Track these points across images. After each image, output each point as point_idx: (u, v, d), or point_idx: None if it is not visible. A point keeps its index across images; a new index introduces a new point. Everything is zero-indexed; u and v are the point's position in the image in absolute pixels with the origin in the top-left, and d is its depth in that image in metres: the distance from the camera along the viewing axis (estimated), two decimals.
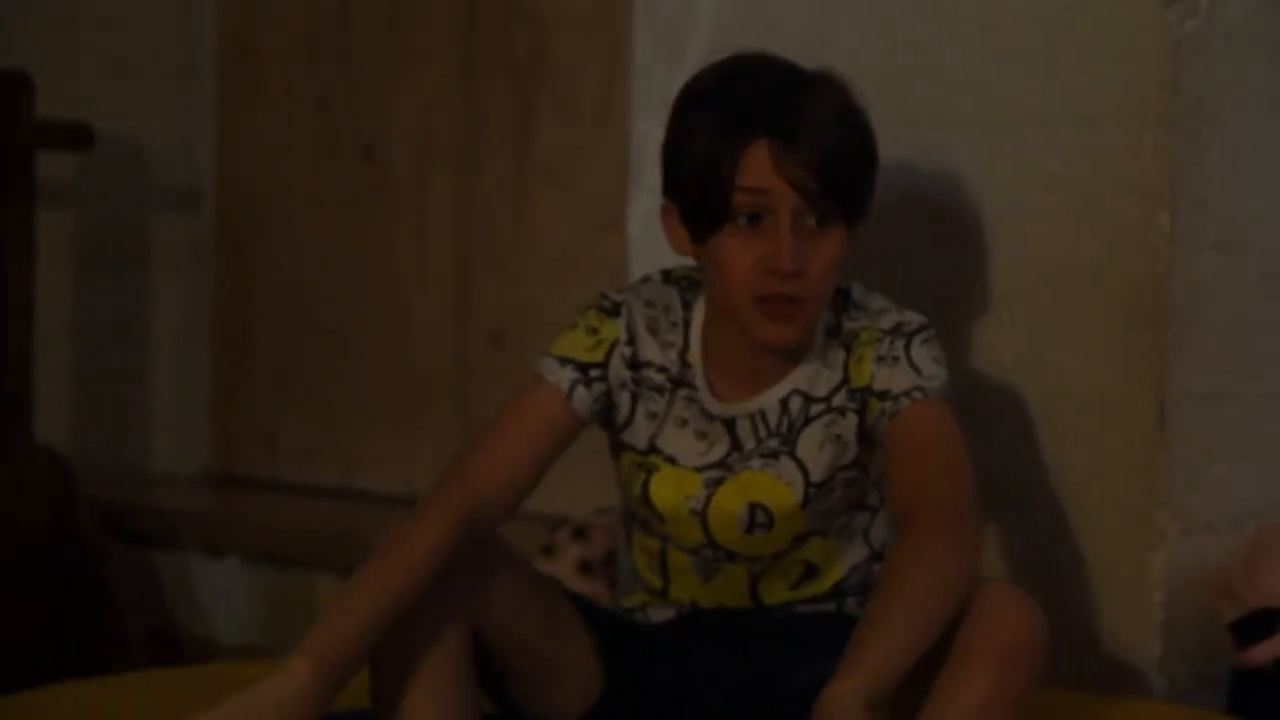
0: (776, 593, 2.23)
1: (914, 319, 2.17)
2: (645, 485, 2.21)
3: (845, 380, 2.18)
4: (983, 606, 1.99)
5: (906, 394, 2.13)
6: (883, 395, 2.14)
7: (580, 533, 2.79)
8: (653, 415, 2.20)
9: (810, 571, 2.23)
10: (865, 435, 2.18)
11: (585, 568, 2.74)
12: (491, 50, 3.72)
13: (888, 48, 2.60)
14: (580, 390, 2.17)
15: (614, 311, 2.20)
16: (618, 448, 2.24)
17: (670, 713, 2.20)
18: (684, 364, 2.20)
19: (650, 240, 2.86)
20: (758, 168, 2.07)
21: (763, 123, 2.07)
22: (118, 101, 3.96)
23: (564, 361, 2.18)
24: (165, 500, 3.91)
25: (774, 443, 2.18)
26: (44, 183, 3.61)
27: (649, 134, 2.87)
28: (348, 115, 3.92)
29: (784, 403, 2.18)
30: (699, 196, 2.10)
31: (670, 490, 2.20)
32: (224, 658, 3.48)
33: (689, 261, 2.21)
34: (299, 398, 3.99)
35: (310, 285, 3.98)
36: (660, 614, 2.27)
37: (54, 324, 3.84)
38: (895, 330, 2.16)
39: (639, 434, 2.21)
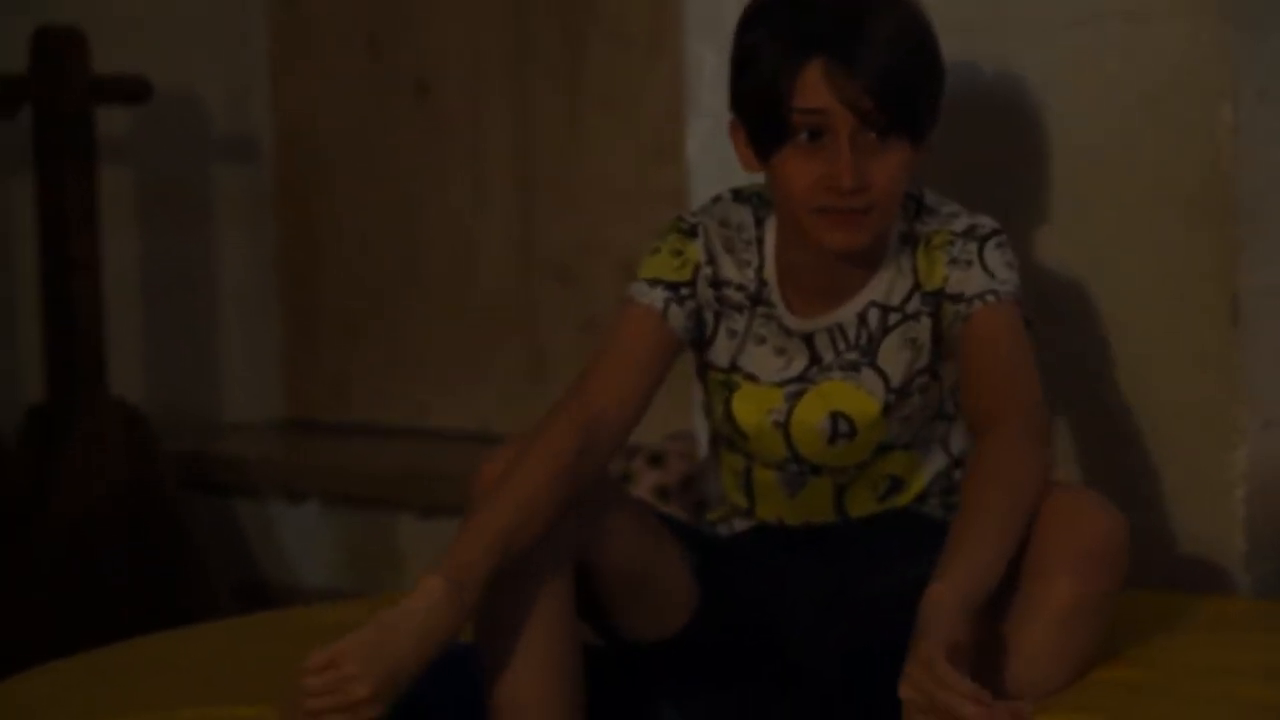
0: (862, 505, 2.24)
1: (987, 222, 2.18)
2: (728, 403, 2.22)
3: (917, 284, 2.18)
4: (1062, 512, 2.00)
5: (979, 296, 2.14)
6: (956, 298, 2.15)
7: (656, 459, 2.80)
8: (733, 333, 2.22)
9: (895, 484, 2.24)
10: (939, 339, 2.18)
11: (662, 494, 2.74)
12: None
13: None
14: (674, 308, 2.18)
15: (692, 233, 2.21)
16: (703, 368, 2.25)
17: (761, 624, 2.21)
18: (760, 281, 2.21)
19: (709, 165, 2.85)
20: (813, 88, 2.08)
21: (819, 42, 2.08)
22: (171, 54, 3.97)
23: (653, 283, 2.19)
24: (241, 449, 3.93)
25: (854, 355, 2.19)
26: (102, 139, 3.62)
27: (703, 57, 2.85)
28: (399, 54, 3.92)
29: (861, 315, 2.19)
30: (759, 115, 2.12)
31: (752, 406, 2.21)
32: (308, 602, 3.51)
33: (758, 179, 2.22)
34: (367, 341, 4.00)
35: (371, 227, 3.99)
36: (743, 524, 2.28)
37: (121, 280, 3.87)
38: (968, 233, 2.17)
39: (720, 352, 2.22)
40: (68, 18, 3.59)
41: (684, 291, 2.19)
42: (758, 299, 2.21)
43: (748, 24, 2.15)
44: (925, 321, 2.18)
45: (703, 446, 2.58)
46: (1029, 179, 2.56)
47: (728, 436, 2.26)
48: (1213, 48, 2.41)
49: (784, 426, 2.20)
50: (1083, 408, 2.53)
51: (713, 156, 2.84)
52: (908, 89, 2.09)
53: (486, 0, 3.79)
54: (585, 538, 2.09)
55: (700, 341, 2.23)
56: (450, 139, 3.86)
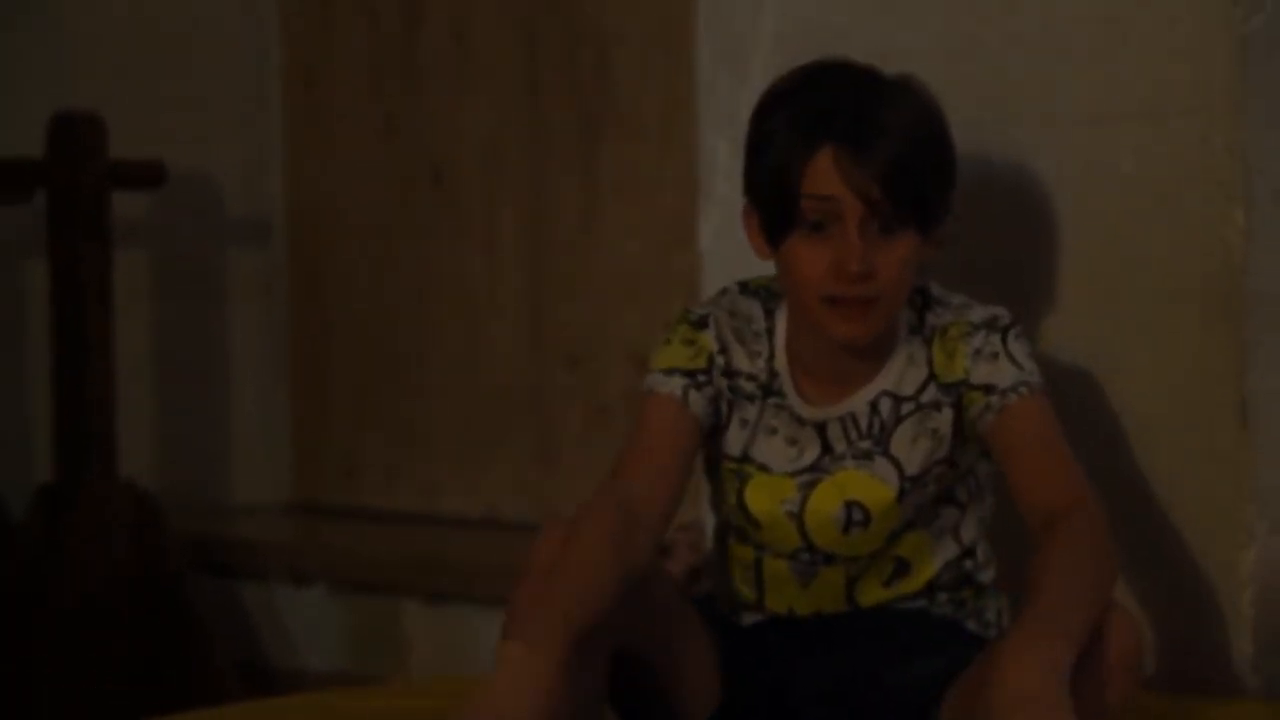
0: (871, 593, 2.23)
1: (1004, 313, 2.20)
2: (740, 493, 2.22)
3: (932, 375, 2.19)
4: None
5: (1013, 389, 2.15)
6: (988, 390, 2.16)
7: (664, 550, 2.79)
8: (745, 423, 2.22)
9: (902, 567, 2.23)
10: (959, 429, 2.18)
11: None
12: (556, 69, 3.73)
13: (952, 51, 2.59)
14: (694, 394, 2.19)
15: (702, 323, 2.22)
16: (713, 459, 2.25)
17: (775, 716, 2.20)
18: (771, 371, 2.22)
19: (722, 254, 2.86)
20: (823, 175, 2.10)
21: (830, 130, 2.10)
22: (187, 135, 3.99)
23: (670, 372, 2.20)
24: (249, 531, 3.93)
25: (866, 444, 2.20)
26: (118, 219, 3.64)
27: (716, 148, 2.87)
28: (415, 139, 3.93)
29: (873, 404, 2.20)
30: (770, 201, 2.14)
31: (765, 496, 2.21)
32: (313, 687, 3.50)
33: (765, 271, 2.23)
34: (377, 424, 4.00)
35: (384, 311, 4.00)
36: (751, 618, 2.28)
37: (133, 360, 3.87)
38: (990, 325, 2.18)
39: (733, 442, 2.22)
40: (85, 101, 3.61)
41: (701, 378, 2.20)
42: (769, 389, 2.21)
43: (765, 110, 2.18)
44: (947, 413, 2.18)
45: (709, 538, 2.58)
46: (1040, 276, 2.56)
47: (739, 527, 2.25)
48: (1226, 148, 2.42)
49: (798, 516, 2.20)
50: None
51: (726, 246, 2.85)
52: (917, 180, 2.11)
53: (503, 87, 3.81)
54: (627, 620, 2.08)
55: (715, 429, 2.23)
56: (464, 224, 3.87)
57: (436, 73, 3.90)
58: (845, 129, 2.09)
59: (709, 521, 2.56)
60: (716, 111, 2.87)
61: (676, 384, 2.19)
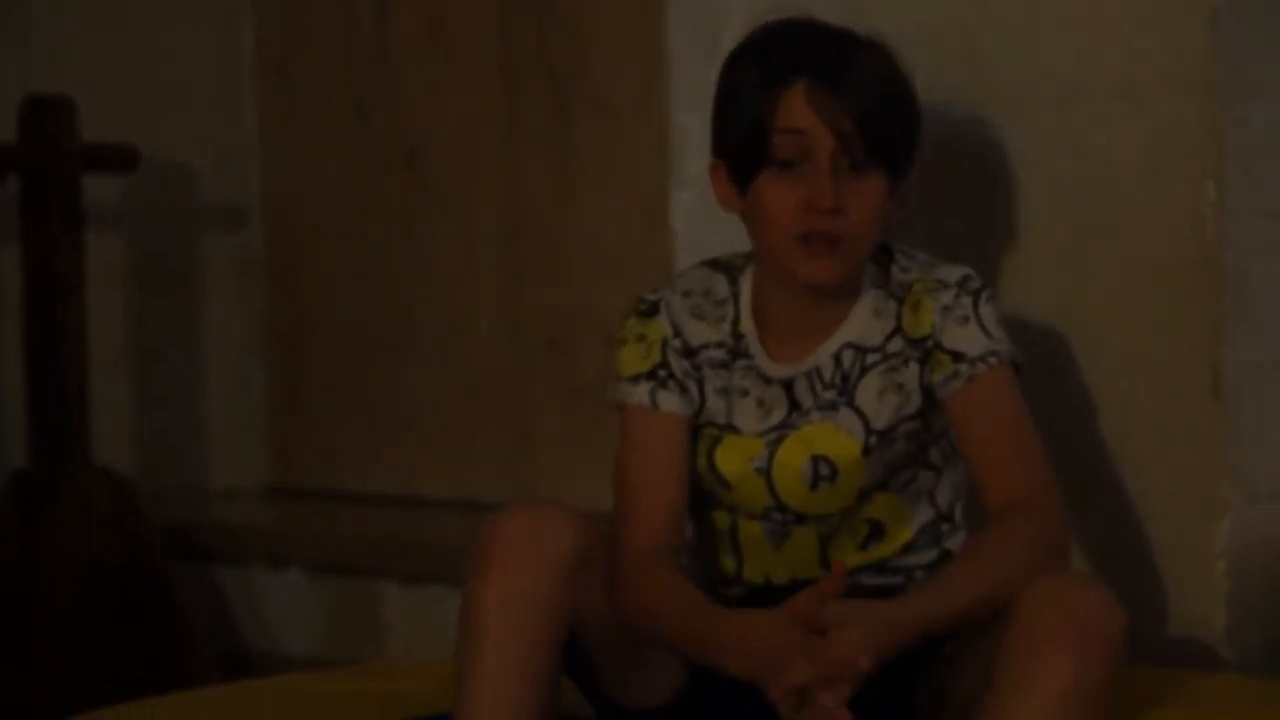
0: (846, 556, 2.24)
1: (974, 274, 2.21)
2: (710, 454, 2.23)
3: (899, 329, 2.20)
4: (1059, 596, 1.99)
5: (981, 358, 2.16)
6: (956, 357, 2.16)
7: None
8: (722, 391, 2.24)
9: (877, 530, 2.23)
10: (928, 385, 2.19)
11: None
12: (529, 52, 3.73)
13: (926, 29, 2.60)
14: (661, 394, 2.22)
15: (652, 311, 2.25)
16: (696, 431, 2.26)
17: (751, 694, 2.20)
18: (736, 335, 2.24)
19: (695, 233, 2.87)
20: (796, 109, 2.13)
21: (802, 66, 2.14)
22: (160, 121, 3.98)
23: (634, 379, 2.23)
24: (227, 516, 3.93)
25: (830, 394, 2.21)
26: (91, 206, 3.63)
27: (688, 128, 2.87)
28: (389, 124, 3.93)
29: (836, 357, 2.21)
30: (741, 143, 2.16)
31: (735, 455, 2.23)
32: (292, 670, 3.49)
33: (735, 248, 2.24)
34: (355, 409, 4.00)
35: (360, 295, 3.99)
36: (730, 593, 2.28)
37: (108, 347, 3.87)
38: (962, 285, 2.19)
39: (715, 410, 2.24)
40: (57, 86, 3.60)
41: (662, 373, 2.23)
42: (737, 352, 2.23)
43: (732, 62, 2.21)
44: (914, 368, 2.19)
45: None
46: (1014, 253, 2.57)
47: (710, 489, 2.26)
48: (1199, 125, 2.43)
49: (766, 473, 2.22)
50: (1064, 479, 2.53)
51: (698, 224, 2.86)
52: (887, 117, 2.14)
53: (476, 71, 3.80)
54: (583, 596, 2.10)
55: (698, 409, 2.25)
56: (438, 208, 3.87)
57: (410, 57, 3.90)
58: (818, 65, 2.13)
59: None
60: (688, 91, 2.87)
61: (642, 391, 2.22)
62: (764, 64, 2.16)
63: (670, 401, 2.22)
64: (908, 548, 2.24)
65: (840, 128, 2.12)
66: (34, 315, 3.55)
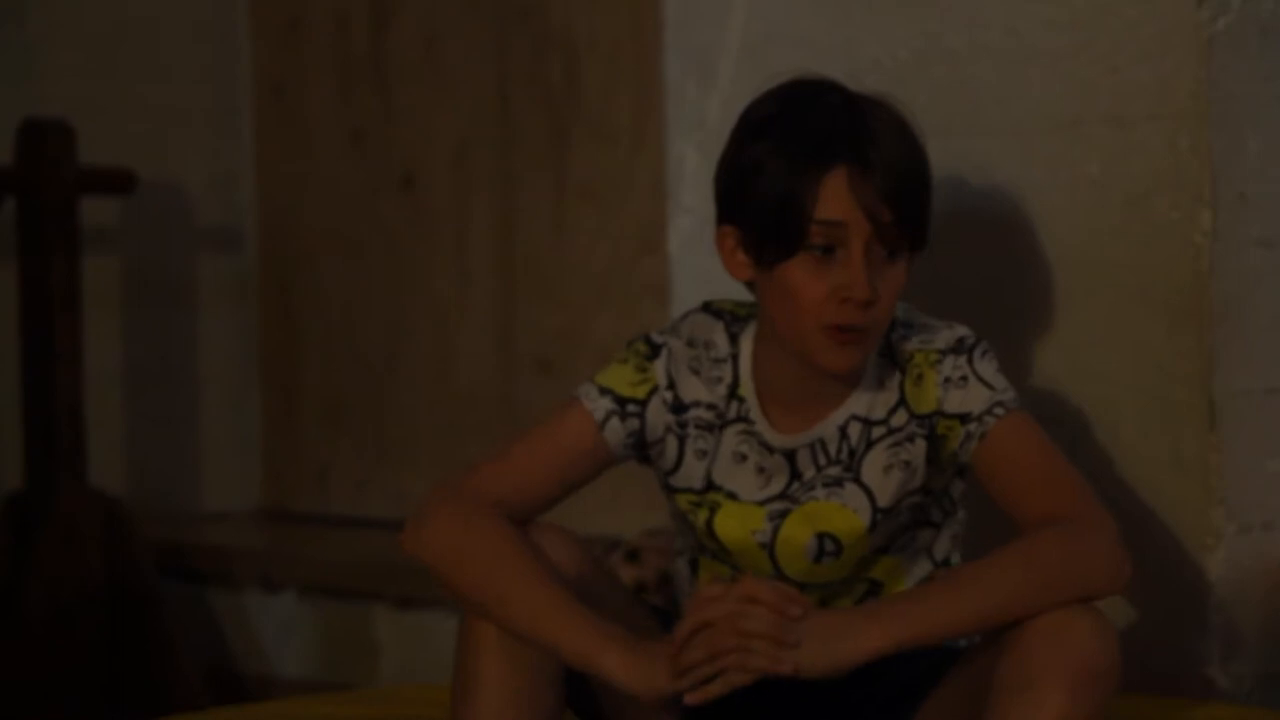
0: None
1: (967, 332, 2.16)
2: (709, 522, 2.20)
3: (902, 401, 2.16)
4: (1056, 627, 1.98)
5: (988, 412, 2.13)
6: (964, 418, 2.13)
7: (633, 556, 2.79)
8: (702, 454, 2.19)
9: (874, 588, 2.21)
10: (933, 459, 2.16)
11: (640, 590, 2.74)
12: (525, 77, 3.73)
13: (918, 60, 2.60)
14: (614, 422, 2.16)
15: (654, 355, 2.18)
16: (670, 490, 2.23)
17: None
18: (734, 398, 2.19)
19: (691, 260, 2.87)
20: (835, 199, 2.06)
21: (837, 151, 2.06)
22: (157, 144, 3.98)
23: (604, 391, 2.17)
24: (219, 538, 3.92)
25: (836, 470, 2.17)
26: (88, 229, 3.63)
27: (684, 155, 2.87)
28: (385, 146, 3.93)
29: (842, 430, 2.17)
30: (771, 226, 2.08)
31: (735, 524, 2.19)
32: (283, 693, 3.49)
33: (734, 292, 2.20)
34: (348, 431, 4.00)
35: (354, 318, 3.99)
36: None
37: (103, 368, 3.87)
38: (955, 348, 2.15)
39: (692, 474, 2.19)
40: (55, 110, 3.61)
41: (630, 408, 2.17)
42: (730, 417, 2.19)
43: (748, 134, 2.12)
44: (920, 444, 2.15)
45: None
46: (1007, 281, 2.57)
47: (713, 550, 2.24)
48: (1192, 152, 2.43)
49: (769, 548, 2.18)
50: None
51: (694, 251, 2.86)
52: (919, 201, 2.10)
53: (472, 94, 3.81)
54: None
55: (654, 463, 2.20)
56: (434, 230, 3.87)
57: (406, 80, 3.90)
58: (855, 150, 2.06)
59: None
60: (684, 118, 2.87)
61: (602, 406, 2.16)
62: (793, 145, 2.07)
63: (616, 435, 2.16)
64: None
65: (878, 216, 2.06)
66: (29, 336, 3.55)
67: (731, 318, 2.21)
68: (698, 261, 2.84)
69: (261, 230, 4.13)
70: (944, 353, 2.15)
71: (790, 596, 1.99)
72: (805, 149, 2.07)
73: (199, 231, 4.11)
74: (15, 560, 3.49)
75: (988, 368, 2.14)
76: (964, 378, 2.14)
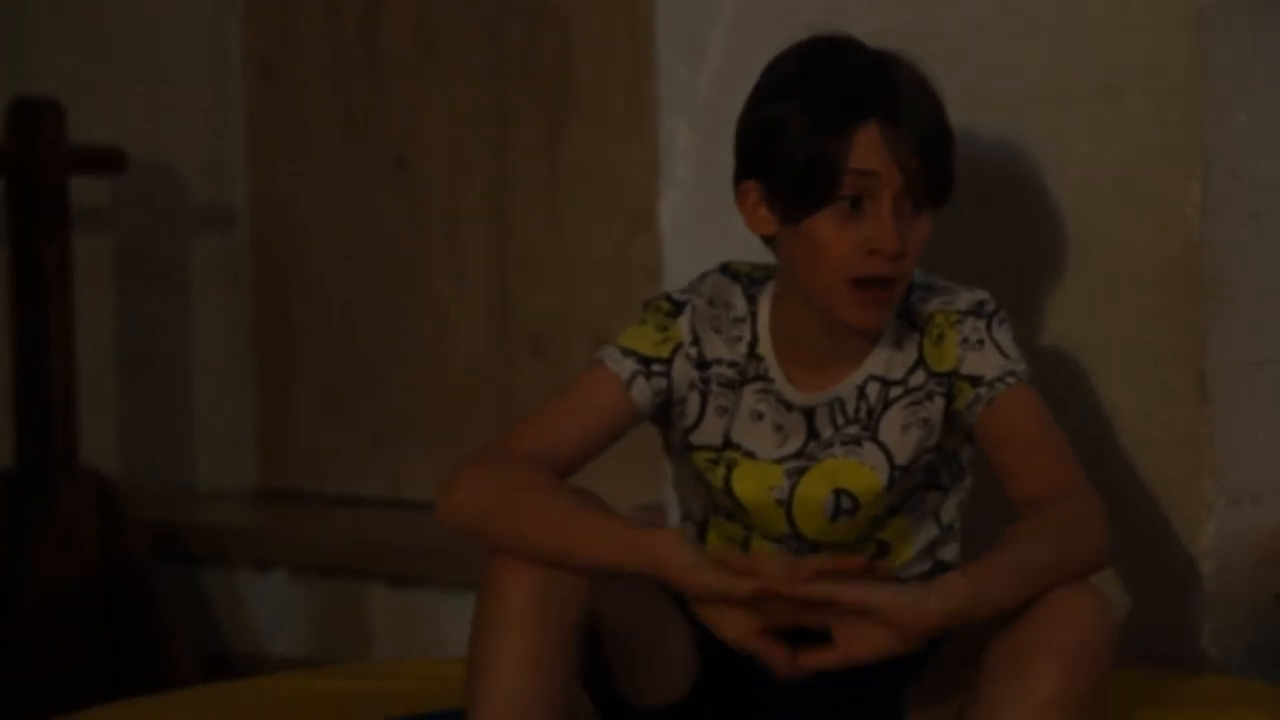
0: None
1: (988, 297, 2.19)
2: (728, 479, 2.21)
3: (920, 361, 2.18)
4: (1054, 603, 1.98)
5: (1000, 379, 2.14)
6: (975, 381, 2.15)
7: None
8: (723, 410, 2.20)
9: (882, 549, 2.22)
10: (949, 418, 2.18)
11: None
12: (518, 56, 3.73)
13: (910, 34, 2.59)
14: (640, 381, 2.17)
15: (677, 312, 2.20)
16: (686, 448, 2.23)
17: (758, 701, 2.20)
18: (754, 357, 2.20)
19: (683, 238, 2.87)
20: (869, 150, 2.08)
21: (869, 104, 2.09)
22: (149, 124, 3.98)
23: (627, 353, 2.18)
24: (213, 517, 3.93)
25: (854, 429, 2.18)
26: (79, 208, 3.63)
27: (677, 132, 2.87)
28: (377, 127, 3.93)
29: (861, 389, 2.18)
30: (801, 179, 2.09)
31: (752, 482, 2.19)
32: (276, 671, 3.49)
33: (763, 250, 2.21)
34: (342, 411, 4.00)
35: (348, 298, 3.99)
36: None
37: (95, 348, 3.86)
38: (976, 311, 2.17)
39: (712, 431, 2.20)
40: (45, 88, 3.60)
41: (656, 368, 2.18)
42: (750, 375, 2.20)
43: (776, 93, 2.14)
44: (939, 402, 2.17)
45: (672, 519, 2.58)
46: (996, 255, 2.57)
47: (727, 509, 2.24)
48: (1182, 126, 2.43)
49: (786, 504, 2.19)
50: None
51: (686, 229, 2.86)
52: (945, 153, 2.12)
53: (464, 74, 3.81)
54: (599, 589, 2.07)
55: (675, 422, 2.21)
56: (427, 211, 3.87)
57: (398, 60, 3.90)
58: (886, 102, 2.08)
59: (671, 503, 2.56)
60: (676, 95, 2.87)
61: (627, 367, 2.17)
62: (824, 98, 2.09)
63: (643, 395, 2.17)
64: (907, 563, 2.23)
65: (908, 167, 2.08)
66: (21, 317, 3.55)
67: (749, 280, 2.22)
68: (690, 238, 2.84)
69: (254, 210, 4.13)
70: (964, 314, 2.17)
71: (850, 559, 2.00)
72: (837, 103, 2.09)
73: (191, 211, 4.11)
74: (8, 541, 3.49)
75: (1004, 335, 2.17)
76: (980, 341, 2.16)
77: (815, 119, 2.09)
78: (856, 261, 2.09)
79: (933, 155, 2.10)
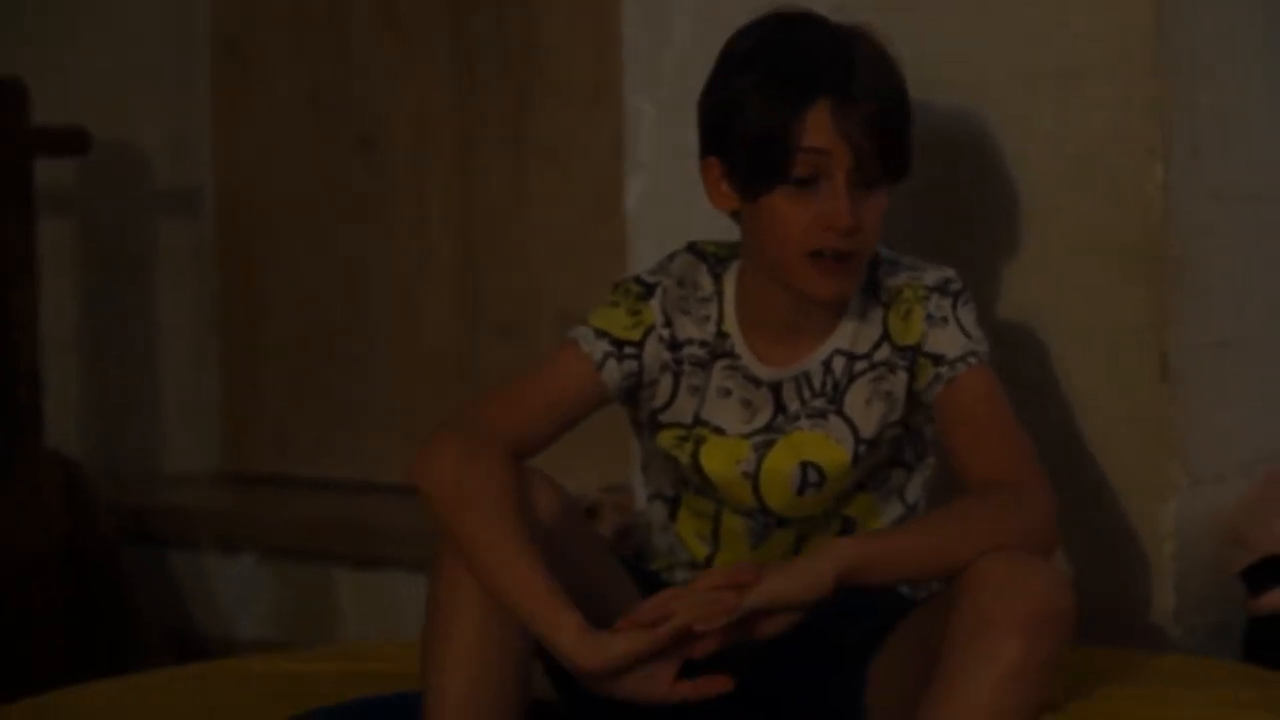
0: None
1: (954, 275, 2.20)
2: (695, 455, 2.22)
3: (885, 336, 2.19)
4: (1011, 575, 1.99)
5: (961, 359, 2.16)
6: (937, 359, 2.16)
7: (591, 511, 2.80)
8: (695, 389, 2.22)
9: (849, 527, 2.24)
10: (913, 393, 2.19)
11: None
12: (484, 35, 3.73)
13: (874, 12, 2.59)
14: (611, 363, 2.19)
15: (648, 294, 2.21)
16: (655, 427, 2.24)
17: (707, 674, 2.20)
18: (720, 334, 2.22)
19: (648, 218, 2.87)
20: (819, 128, 2.09)
21: (821, 82, 2.10)
22: (113, 105, 3.97)
23: (600, 334, 2.20)
24: (179, 500, 3.92)
25: (820, 402, 2.20)
26: (44, 190, 3.61)
27: (642, 111, 2.87)
28: (342, 108, 3.92)
29: (826, 363, 2.20)
30: (756, 157, 2.11)
31: (721, 457, 2.21)
32: (243, 653, 3.49)
33: (729, 229, 2.22)
34: (308, 393, 3.99)
35: (314, 280, 3.99)
36: (686, 575, 2.28)
37: (61, 330, 3.85)
38: (941, 288, 2.19)
39: (684, 410, 2.22)
40: (8, 68, 3.59)
41: (628, 350, 2.19)
42: (718, 353, 2.22)
43: (731, 67, 2.16)
44: (901, 376, 2.19)
45: (639, 499, 2.58)
46: (959, 235, 2.57)
47: (697, 485, 2.25)
48: (1145, 106, 2.44)
49: (753, 477, 2.21)
50: None
51: (651, 209, 2.86)
52: (899, 131, 2.13)
53: (429, 53, 3.80)
54: (560, 570, 2.06)
55: (646, 403, 2.23)
56: (393, 192, 3.86)
57: (364, 40, 3.89)
58: (837, 80, 2.09)
59: (638, 483, 2.56)
60: (641, 75, 2.87)
61: (599, 348, 2.19)
62: (777, 76, 2.11)
63: (613, 376, 2.19)
64: None
65: (860, 145, 2.09)
66: None
67: (715, 259, 2.24)
68: (655, 218, 2.84)
69: (218, 191, 4.12)
70: (931, 289, 2.18)
71: (741, 568, 2.01)
72: (789, 80, 2.10)
73: (156, 193, 4.10)
74: None
75: (968, 315, 2.18)
76: (945, 319, 2.17)
77: (768, 97, 2.11)
78: (812, 236, 2.11)
79: (886, 133, 2.10)
